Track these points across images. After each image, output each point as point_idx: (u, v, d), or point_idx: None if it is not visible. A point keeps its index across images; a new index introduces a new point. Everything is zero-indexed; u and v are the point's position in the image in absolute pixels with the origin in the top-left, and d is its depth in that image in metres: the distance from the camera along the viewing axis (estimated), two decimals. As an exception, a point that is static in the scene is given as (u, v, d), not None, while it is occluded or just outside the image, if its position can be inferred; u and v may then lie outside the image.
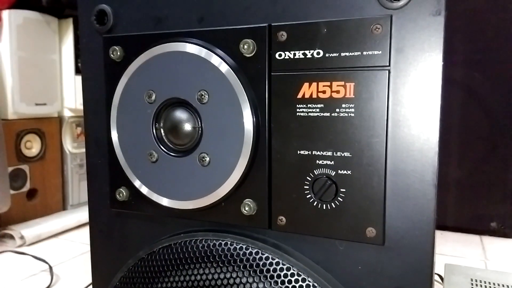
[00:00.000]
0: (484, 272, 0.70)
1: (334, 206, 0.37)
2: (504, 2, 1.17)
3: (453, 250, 1.13)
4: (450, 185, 1.27)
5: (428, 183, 0.34)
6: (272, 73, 0.38)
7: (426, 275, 0.34)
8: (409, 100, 0.35)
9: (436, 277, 0.77)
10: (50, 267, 0.98)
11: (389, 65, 0.35)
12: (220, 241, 0.39)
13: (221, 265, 0.39)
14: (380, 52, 0.35)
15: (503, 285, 0.66)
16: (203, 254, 0.39)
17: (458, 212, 1.27)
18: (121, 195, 0.45)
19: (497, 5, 1.17)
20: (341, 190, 0.37)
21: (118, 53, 0.44)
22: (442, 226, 1.28)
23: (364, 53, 0.35)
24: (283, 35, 0.38)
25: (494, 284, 0.67)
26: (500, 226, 1.23)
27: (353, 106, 0.36)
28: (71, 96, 1.37)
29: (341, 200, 0.37)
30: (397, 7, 0.34)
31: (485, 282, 0.67)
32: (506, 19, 1.17)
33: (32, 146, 1.31)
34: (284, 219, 0.39)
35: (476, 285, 0.65)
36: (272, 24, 0.38)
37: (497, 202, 1.23)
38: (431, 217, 0.34)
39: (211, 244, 0.39)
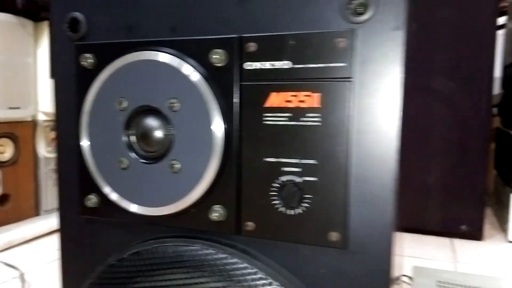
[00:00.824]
0: (450, 274, 0.73)
1: (300, 212, 0.38)
2: (475, 12, 1.21)
3: (424, 253, 1.16)
4: (423, 189, 1.31)
5: (387, 189, 0.36)
6: (242, 83, 0.39)
7: (384, 277, 0.36)
8: (372, 110, 0.36)
9: (405, 279, 0.80)
10: (21, 274, 0.96)
11: (354, 77, 0.37)
12: (189, 246, 0.40)
13: (190, 270, 0.39)
14: (345, 64, 0.37)
15: (468, 286, 0.69)
16: (172, 260, 0.40)
17: (429, 216, 1.31)
18: (91, 201, 0.45)
19: (469, 14, 1.22)
20: (307, 196, 0.38)
21: (90, 61, 0.44)
22: (414, 229, 1.31)
23: (330, 65, 0.37)
24: (253, 46, 0.39)
25: (459, 285, 0.70)
26: (470, 229, 1.27)
27: (319, 115, 0.37)
28: (46, 99, 1.35)
29: (307, 206, 0.38)
30: (360, 22, 0.36)
31: (450, 284, 0.70)
32: (477, 29, 1.21)
33: (5, 150, 1.28)
34: (252, 224, 0.40)
35: (442, 286, 0.67)
36: (243, 35, 0.39)
37: (467, 206, 1.27)
38: (389, 221, 0.36)
39: (180, 249, 0.40)
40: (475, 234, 1.26)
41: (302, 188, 0.38)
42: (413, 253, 1.15)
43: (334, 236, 0.37)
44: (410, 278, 0.85)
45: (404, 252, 1.11)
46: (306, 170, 0.38)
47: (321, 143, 0.37)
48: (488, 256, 1.16)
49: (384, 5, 0.35)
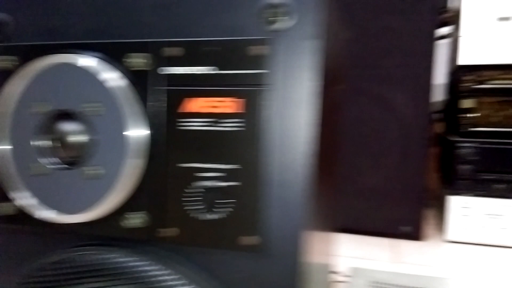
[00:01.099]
0: (386, 274, 0.75)
1: (222, 217, 0.38)
2: (415, 21, 1.27)
3: (363, 253, 1.20)
4: (365, 191, 1.35)
5: (301, 193, 0.37)
6: (166, 87, 0.39)
7: (298, 280, 0.37)
8: (292, 116, 0.38)
9: (343, 279, 0.82)
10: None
11: (276, 83, 0.38)
12: (111, 254, 0.39)
13: (112, 279, 0.39)
14: (267, 71, 0.38)
15: (403, 286, 0.72)
16: (93, 268, 0.39)
17: (372, 217, 1.35)
18: (7, 209, 0.43)
19: (410, 22, 1.27)
20: (230, 201, 0.38)
21: (11, 63, 0.43)
22: (355, 230, 1.35)
23: (253, 71, 0.38)
24: (178, 51, 0.39)
25: (394, 285, 0.73)
26: (410, 229, 1.32)
27: (243, 120, 0.38)
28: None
29: (230, 210, 0.38)
30: (273, 30, 0.37)
31: (385, 284, 0.73)
32: (419, 37, 1.27)
33: None
34: (174, 230, 0.39)
35: (378, 286, 0.70)
36: (168, 39, 0.39)
37: (409, 207, 1.33)
38: (304, 224, 0.37)
39: (102, 257, 0.39)
40: (415, 234, 1.31)
41: (225, 193, 0.38)
42: (353, 254, 1.18)
43: (252, 240, 0.38)
44: (347, 278, 0.87)
45: (343, 253, 1.14)
46: (230, 175, 0.38)
47: (245, 148, 0.38)
48: (425, 255, 1.21)
49: (300, 15, 0.37)
